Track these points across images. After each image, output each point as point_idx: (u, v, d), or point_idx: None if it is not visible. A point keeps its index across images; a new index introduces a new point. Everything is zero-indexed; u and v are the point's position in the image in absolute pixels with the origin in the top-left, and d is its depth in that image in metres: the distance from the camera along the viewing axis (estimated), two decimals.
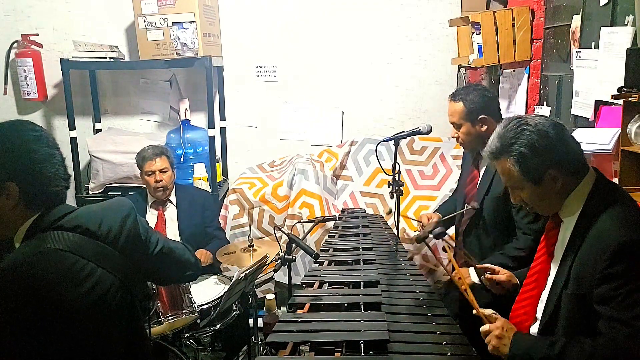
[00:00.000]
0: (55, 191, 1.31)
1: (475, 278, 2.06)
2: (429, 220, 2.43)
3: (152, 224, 2.93)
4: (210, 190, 3.36)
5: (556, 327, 1.45)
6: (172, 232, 2.97)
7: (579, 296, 1.36)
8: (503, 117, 2.22)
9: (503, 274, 1.76)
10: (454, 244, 2.39)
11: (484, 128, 2.17)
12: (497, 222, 2.16)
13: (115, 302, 1.34)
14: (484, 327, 1.43)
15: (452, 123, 2.26)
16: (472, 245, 2.28)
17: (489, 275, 1.76)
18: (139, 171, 2.96)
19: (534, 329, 1.56)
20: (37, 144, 1.29)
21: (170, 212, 3.02)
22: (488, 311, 1.46)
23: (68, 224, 1.29)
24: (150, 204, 3.00)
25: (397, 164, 2.29)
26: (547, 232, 1.57)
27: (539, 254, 1.59)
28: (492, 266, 1.79)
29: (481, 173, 2.28)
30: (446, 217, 2.39)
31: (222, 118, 3.73)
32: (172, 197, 3.03)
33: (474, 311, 1.48)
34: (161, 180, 2.88)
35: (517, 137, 1.41)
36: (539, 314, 1.54)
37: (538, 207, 1.50)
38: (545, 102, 2.66)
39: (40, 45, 3.63)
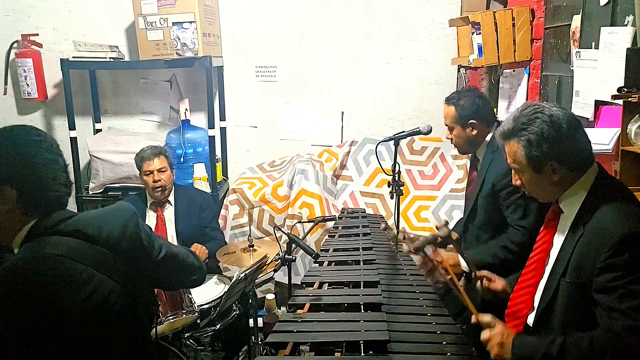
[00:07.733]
0: (54, 197, 1.28)
1: (464, 266, 2.07)
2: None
3: (151, 225, 2.93)
4: (210, 191, 3.35)
5: (553, 315, 1.46)
6: (171, 234, 2.97)
7: (578, 285, 1.39)
8: (499, 119, 2.24)
9: (499, 283, 1.76)
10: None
11: (474, 132, 2.22)
12: (491, 220, 2.19)
13: (117, 308, 1.30)
14: (484, 335, 1.43)
15: (446, 125, 2.32)
16: (471, 244, 2.30)
17: (486, 283, 1.77)
18: (139, 172, 2.96)
19: (532, 318, 1.57)
20: (37, 148, 1.26)
21: (169, 213, 3.01)
22: (487, 317, 1.45)
23: (66, 229, 1.26)
24: (149, 205, 2.99)
25: (397, 164, 2.29)
26: (546, 222, 1.59)
27: (538, 243, 1.61)
28: (488, 274, 1.79)
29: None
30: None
31: (222, 118, 3.73)
32: (171, 198, 3.02)
33: (472, 318, 1.47)
34: (159, 180, 2.88)
35: (530, 124, 1.43)
36: (536, 303, 1.55)
37: (534, 192, 1.54)
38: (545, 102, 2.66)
39: (40, 45, 3.62)
